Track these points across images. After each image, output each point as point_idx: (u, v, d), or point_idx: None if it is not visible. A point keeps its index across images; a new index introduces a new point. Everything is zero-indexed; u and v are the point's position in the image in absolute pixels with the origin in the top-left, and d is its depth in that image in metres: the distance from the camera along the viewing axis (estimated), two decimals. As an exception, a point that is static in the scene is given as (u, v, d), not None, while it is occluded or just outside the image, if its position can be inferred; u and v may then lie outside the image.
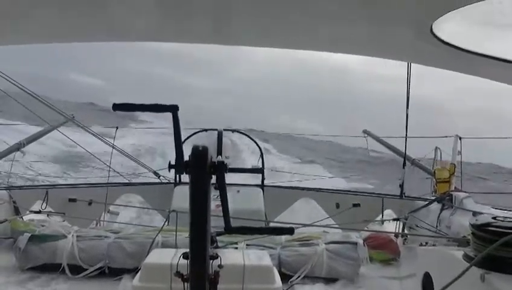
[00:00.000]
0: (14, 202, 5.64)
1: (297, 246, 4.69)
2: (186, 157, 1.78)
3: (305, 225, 5.24)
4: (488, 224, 2.98)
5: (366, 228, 5.95)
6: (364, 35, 2.59)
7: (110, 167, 7.03)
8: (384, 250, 5.12)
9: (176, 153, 1.93)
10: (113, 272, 4.48)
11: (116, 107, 2.02)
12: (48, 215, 5.65)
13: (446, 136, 6.60)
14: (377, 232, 5.49)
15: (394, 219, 5.87)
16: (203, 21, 2.51)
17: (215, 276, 1.98)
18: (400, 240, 5.47)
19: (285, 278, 4.28)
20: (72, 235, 4.65)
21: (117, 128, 7.68)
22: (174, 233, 4.40)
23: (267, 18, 2.39)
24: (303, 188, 7.74)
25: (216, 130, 6.57)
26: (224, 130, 6.76)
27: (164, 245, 4.45)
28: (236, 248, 4.25)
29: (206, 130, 7.24)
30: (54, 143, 7.53)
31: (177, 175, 6.40)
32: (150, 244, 4.47)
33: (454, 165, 6.07)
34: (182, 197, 5.28)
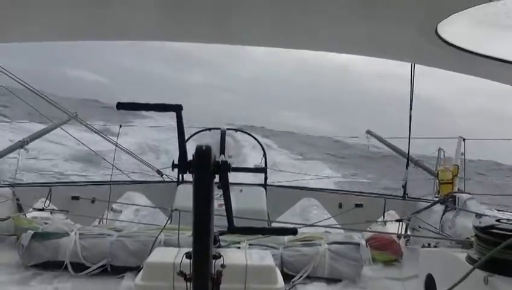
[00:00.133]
0: (17, 199, 5.66)
1: (300, 246, 4.69)
2: (189, 157, 1.78)
3: (307, 225, 5.25)
4: (492, 226, 2.97)
5: (368, 229, 5.94)
6: (368, 35, 2.58)
7: (113, 165, 7.05)
8: (386, 251, 5.12)
9: (179, 152, 1.93)
10: (116, 270, 4.49)
11: (121, 106, 2.02)
12: (51, 213, 5.67)
13: (449, 138, 6.58)
14: (379, 233, 5.48)
15: (397, 220, 5.86)
16: (206, 20, 2.51)
17: (217, 276, 1.98)
18: (402, 241, 5.47)
19: (287, 278, 4.28)
20: (75, 233, 4.66)
21: (120, 126, 7.71)
22: (177, 232, 4.41)
23: (268, 18, 2.39)
24: (306, 188, 7.74)
25: (219, 129, 6.58)
26: (228, 129, 6.76)
27: (167, 244, 4.45)
28: (239, 248, 4.26)
29: (209, 129, 7.25)
30: (74, 142, 7.60)
31: (180, 174, 6.41)
32: (152, 243, 4.48)
33: (458, 166, 6.05)
34: (184, 196, 5.29)
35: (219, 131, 6.49)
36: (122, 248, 4.57)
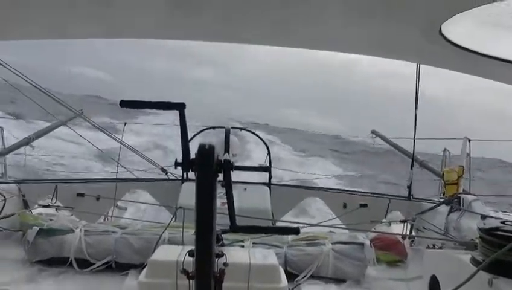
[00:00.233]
0: (23, 196, 5.70)
1: (304, 246, 4.68)
2: (192, 155, 1.79)
3: (311, 225, 5.24)
4: (497, 228, 2.95)
5: (373, 229, 5.93)
6: (373, 36, 2.57)
7: (118, 163, 7.07)
8: (391, 251, 5.11)
9: (182, 150, 1.94)
10: (120, 267, 4.51)
11: (124, 104, 2.03)
12: (56, 210, 5.70)
13: (455, 138, 6.53)
14: (383, 234, 5.47)
15: (401, 221, 5.84)
16: (210, 19, 2.50)
17: (220, 274, 1.98)
18: (407, 242, 5.45)
19: (291, 277, 4.28)
20: (80, 230, 4.69)
21: (125, 123, 7.72)
22: (181, 230, 4.42)
23: (273, 17, 2.38)
24: (310, 187, 7.73)
25: (224, 127, 6.58)
26: (232, 128, 6.76)
27: (171, 241, 4.47)
28: (243, 246, 4.26)
29: (213, 127, 7.25)
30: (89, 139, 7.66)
31: (184, 172, 6.42)
32: (156, 241, 4.50)
33: (463, 167, 6.01)
34: (189, 194, 5.28)
35: (223, 129, 6.50)
36: (126, 245, 4.59)
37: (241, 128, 8.50)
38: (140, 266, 4.08)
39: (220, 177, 1.82)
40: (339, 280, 4.55)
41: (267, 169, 6.81)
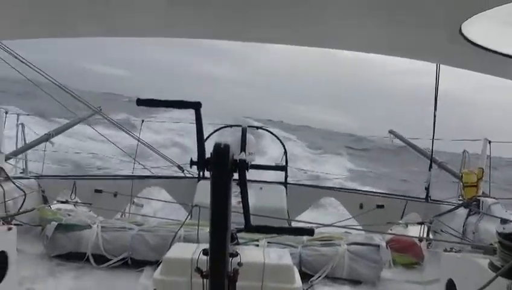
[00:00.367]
0: (43, 191, 5.80)
1: (319, 246, 4.66)
2: (208, 154, 1.79)
3: (327, 225, 5.21)
4: None
5: (389, 230, 5.86)
6: (392, 36, 2.54)
7: (135, 160, 7.14)
8: (407, 253, 5.05)
9: (197, 149, 1.94)
10: (136, 264, 4.57)
11: (140, 102, 2.04)
12: (74, 205, 5.79)
13: (475, 140, 6.41)
14: (400, 235, 5.41)
15: (419, 223, 5.76)
16: (224, 17, 2.50)
17: (234, 274, 1.98)
18: (424, 244, 5.38)
19: (305, 277, 4.27)
20: (97, 226, 4.76)
21: (143, 121, 7.80)
22: (196, 227, 4.44)
23: (290, 16, 2.37)
24: (326, 187, 7.68)
25: (240, 126, 6.58)
26: (249, 126, 6.76)
27: (186, 239, 4.50)
28: (257, 246, 4.26)
29: (230, 126, 7.27)
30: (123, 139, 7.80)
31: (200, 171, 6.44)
32: (172, 238, 4.53)
33: (483, 169, 5.90)
34: (205, 192, 5.28)
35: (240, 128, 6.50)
36: (142, 242, 4.64)
37: (257, 127, 8.50)
38: (155, 263, 4.12)
39: (236, 176, 1.82)
40: (353, 282, 4.51)
41: (283, 168, 6.80)
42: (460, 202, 5.80)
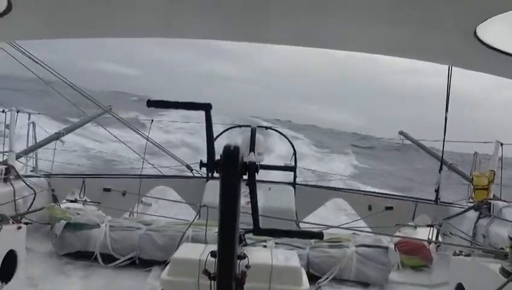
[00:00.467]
0: (52, 190, 5.84)
1: (327, 248, 4.64)
2: (218, 155, 1.79)
3: (335, 227, 5.18)
4: None
5: (398, 232, 5.82)
6: (405, 38, 2.51)
7: (144, 159, 7.16)
8: (416, 256, 5.01)
9: (207, 151, 1.94)
10: (144, 263, 4.57)
11: (151, 103, 2.05)
12: (83, 204, 5.82)
13: (486, 142, 6.34)
14: (409, 238, 5.36)
15: (428, 225, 5.71)
16: (231, 18, 2.49)
17: (242, 276, 1.97)
18: (432, 247, 5.33)
19: (313, 279, 4.25)
20: (106, 225, 4.77)
21: (152, 121, 7.82)
22: (205, 228, 4.44)
23: (300, 18, 2.35)
24: (335, 188, 7.65)
25: (250, 126, 6.57)
26: (258, 126, 6.75)
27: (194, 239, 4.49)
28: (265, 247, 4.25)
29: (240, 126, 7.27)
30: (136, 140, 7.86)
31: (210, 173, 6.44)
32: (180, 238, 4.53)
33: (494, 172, 5.82)
34: (213, 192, 5.32)
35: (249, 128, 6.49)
36: (150, 241, 4.64)
37: (267, 127, 8.50)
38: (163, 263, 4.12)
39: (245, 177, 1.81)
40: (361, 284, 4.48)
41: (292, 169, 6.78)
42: (471, 204, 5.74)
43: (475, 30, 2.04)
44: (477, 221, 5.15)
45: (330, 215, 8.47)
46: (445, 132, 6.34)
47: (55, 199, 5.79)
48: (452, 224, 5.42)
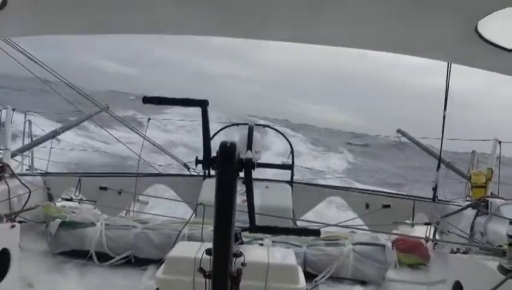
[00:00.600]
0: (48, 189, 5.80)
1: (324, 246, 4.62)
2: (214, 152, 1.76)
3: (332, 225, 5.16)
4: None
5: (395, 230, 5.81)
6: (404, 34, 2.49)
7: (140, 157, 7.13)
8: (413, 254, 4.99)
9: (203, 148, 1.92)
10: (139, 262, 4.54)
11: (147, 100, 2.03)
12: (79, 203, 5.79)
13: (485, 140, 6.33)
14: (406, 236, 5.35)
15: (425, 223, 5.70)
16: (232, 14, 2.46)
17: (237, 274, 1.95)
18: (430, 245, 5.32)
19: (309, 277, 4.23)
20: (101, 223, 4.74)
21: (149, 119, 7.79)
22: (201, 226, 4.41)
23: (301, 14, 2.32)
24: (332, 187, 7.64)
25: (247, 124, 6.55)
26: (256, 125, 6.73)
27: (190, 238, 4.47)
28: (262, 245, 4.22)
29: (237, 124, 7.25)
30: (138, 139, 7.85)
31: (206, 170, 6.41)
32: (176, 237, 4.50)
33: (492, 170, 5.82)
34: (210, 191, 5.26)
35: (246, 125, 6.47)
36: (146, 240, 4.61)
37: (264, 126, 8.48)
38: (159, 262, 4.10)
39: (241, 175, 1.79)
40: (358, 282, 4.46)
41: (290, 167, 6.77)
42: (468, 202, 5.73)
43: (476, 25, 2.02)
44: (474, 219, 5.13)
45: (327, 213, 8.47)
46: (443, 130, 6.32)
47: (50, 198, 5.75)
48: (450, 222, 5.42)
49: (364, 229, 5.54)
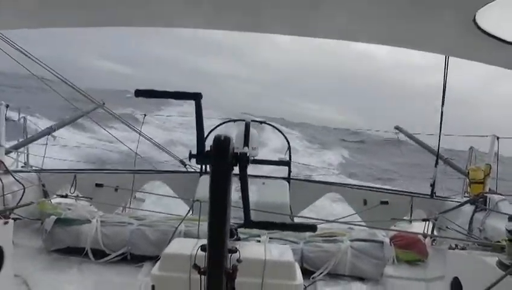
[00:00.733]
0: (43, 185, 5.76)
1: (321, 242, 4.59)
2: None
3: (330, 221, 5.14)
4: None
5: (393, 227, 5.79)
6: (401, 26, 2.45)
7: (136, 153, 7.09)
8: (411, 250, 4.97)
9: (197, 142, 1.88)
10: (135, 259, 4.51)
11: (139, 93, 1.99)
12: (75, 200, 5.74)
13: (482, 136, 6.31)
14: (404, 232, 5.33)
15: (423, 219, 5.68)
16: (232, 8, 2.43)
17: (233, 270, 1.91)
18: (428, 241, 5.30)
19: (307, 273, 4.20)
20: (96, 220, 4.70)
21: (145, 115, 7.74)
22: (197, 223, 4.38)
23: (299, 7, 2.29)
24: (330, 183, 7.61)
25: (244, 121, 6.51)
26: (252, 121, 6.68)
27: (186, 235, 4.44)
28: (259, 241, 4.19)
29: (234, 120, 7.21)
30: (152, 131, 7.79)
31: (198, 164, 6.37)
32: (172, 233, 4.47)
33: (490, 165, 5.80)
34: (206, 187, 5.24)
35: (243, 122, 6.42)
36: (142, 236, 4.58)
37: (261, 122, 8.44)
38: (155, 258, 4.06)
39: (237, 170, 1.75)
40: (356, 278, 4.44)
41: (287, 163, 6.73)
42: (466, 198, 5.71)
43: (474, 16, 1.98)
44: (473, 215, 5.12)
45: (325, 209, 8.44)
46: (441, 127, 6.30)
47: (45, 194, 5.70)
48: (448, 218, 5.39)
49: (362, 226, 5.51)
